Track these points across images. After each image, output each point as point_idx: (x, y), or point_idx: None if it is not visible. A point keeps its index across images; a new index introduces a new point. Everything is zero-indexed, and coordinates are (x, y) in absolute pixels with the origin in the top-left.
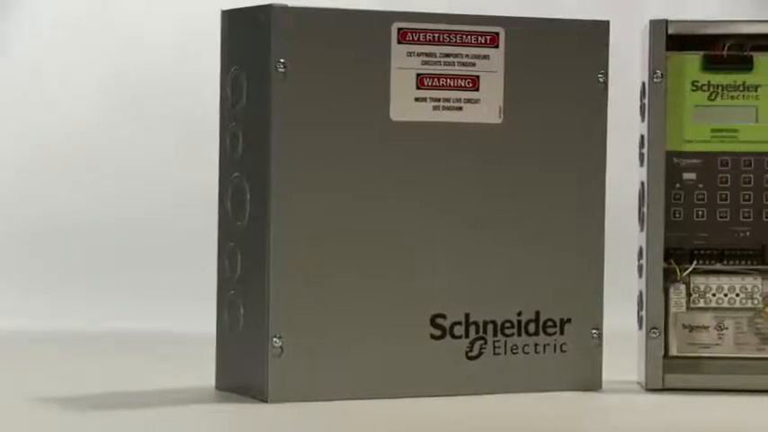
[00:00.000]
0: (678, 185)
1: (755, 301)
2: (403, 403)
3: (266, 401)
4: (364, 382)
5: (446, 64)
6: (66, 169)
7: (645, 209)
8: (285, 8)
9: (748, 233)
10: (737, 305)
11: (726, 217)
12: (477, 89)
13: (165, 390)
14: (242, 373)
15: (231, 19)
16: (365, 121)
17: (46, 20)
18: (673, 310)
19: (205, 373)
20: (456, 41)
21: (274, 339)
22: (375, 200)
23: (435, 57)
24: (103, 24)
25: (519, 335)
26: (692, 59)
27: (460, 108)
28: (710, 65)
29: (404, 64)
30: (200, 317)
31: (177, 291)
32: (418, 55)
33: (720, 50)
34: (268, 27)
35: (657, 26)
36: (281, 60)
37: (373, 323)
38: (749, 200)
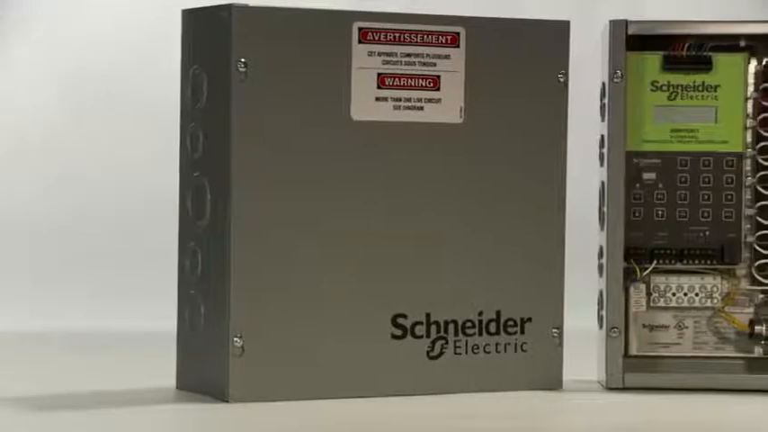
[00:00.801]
0: (638, 185)
1: (715, 301)
2: (364, 403)
3: (227, 401)
4: (325, 382)
5: (407, 64)
6: (27, 168)
7: (605, 208)
8: (246, 8)
9: (708, 233)
10: (697, 304)
11: (685, 217)
12: (438, 89)
13: (125, 390)
14: (203, 372)
15: (191, 18)
16: (326, 120)
17: (6, 18)
18: (633, 309)
19: (166, 373)
20: (417, 41)
21: (235, 339)
22: (336, 199)
23: (396, 56)
24: (64, 23)
25: (480, 334)
26: (652, 60)
27: (421, 108)
28: (670, 65)
29: (365, 63)
30: (161, 316)
31: (138, 290)
32: (379, 54)
33: (680, 51)
34: (228, 27)
35: (617, 26)
36: (242, 60)
37: (334, 323)
38: (708, 200)
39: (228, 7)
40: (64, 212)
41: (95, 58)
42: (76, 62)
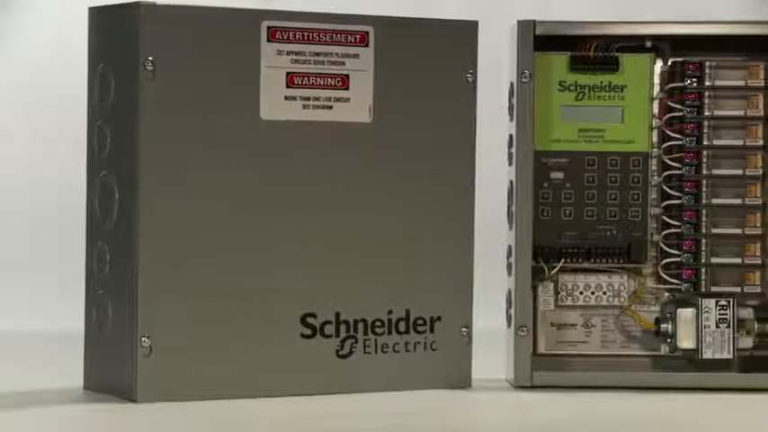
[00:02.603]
0: (546, 185)
1: (621, 299)
2: (273, 403)
3: (135, 401)
4: (234, 382)
5: (316, 63)
6: None
7: (513, 208)
8: (153, 6)
9: (615, 232)
10: (604, 303)
11: (593, 216)
12: (347, 88)
13: (31, 390)
14: (110, 372)
15: (98, 16)
16: (235, 119)
17: None
18: (541, 308)
19: (73, 374)
20: (326, 40)
21: (143, 339)
22: (245, 199)
23: (305, 55)
24: None
25: (389, 333)
26: (559, 60)
27: (330, 107)
28: (577, 65)
29: (273, 63)
30: (69, 315)
31: (46, 289)
32: (288, 54)
33: (587, 51)
34: (136, 25)
35: (525, 27)
36: (150, 59)
37: (243, 323)
38: (615, 199)
39: (136, 5)
40: None
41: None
42: None
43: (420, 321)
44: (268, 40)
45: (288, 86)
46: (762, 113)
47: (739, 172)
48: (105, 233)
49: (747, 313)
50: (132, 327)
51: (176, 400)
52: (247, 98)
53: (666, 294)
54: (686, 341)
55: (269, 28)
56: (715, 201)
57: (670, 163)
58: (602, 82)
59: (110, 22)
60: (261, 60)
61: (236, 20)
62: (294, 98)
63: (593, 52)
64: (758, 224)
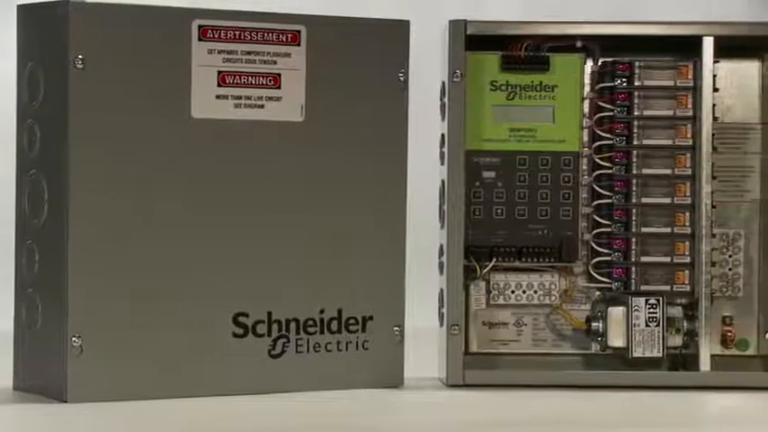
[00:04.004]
0: (478, 184)
1: (553, 298)
2: (205, 402)
3: (65, 401)
4: (166, 381)
5: (247, 62)
6: None
7: (445, 207)
8: (84, 4)
9: (546, 231)
10: (536, 302)
11: (524, 215)
12: (279, 87)
13: None
14: (40, 372)
15: (27, 14)
16: (166, 118)
17: None
18: (473, 307)
19: (2, 373)
20: (257, 39)
21: (73, 338)
22: (176, 198)
23: (236, 54)
24: None
25: (322, 333)
26: (491, 59)
27: (262, 106)
28: (508, 65)
29: (205, 61)
30: None
31: None
32: (219, 52)
33: (518, 51)
34: (66, 23)
35: (457, 26)
36: (80, 56)
37: (175, 322)
38: (546, 198)
39: (65, 3)
40: None
41: None
42: None
43: (352, 321)
44: (199, 39)
45: (219, 85)
46: (691, 113)
47: (669, 171)
48: (35, 232)
49: (677, 312)
50: (62, 326)
51: (108, 400)
52: (179, 97)
53: (597, 293)
54: (616, 340)
55: (200, 27)
56: (645, 200)
57: (600, 162)
58: (533, 82)
59: (39, 20)
60: (192, 59)
61: (166, 18)
62: (226, 97)
63: (524, 52)
64: (687, 223)
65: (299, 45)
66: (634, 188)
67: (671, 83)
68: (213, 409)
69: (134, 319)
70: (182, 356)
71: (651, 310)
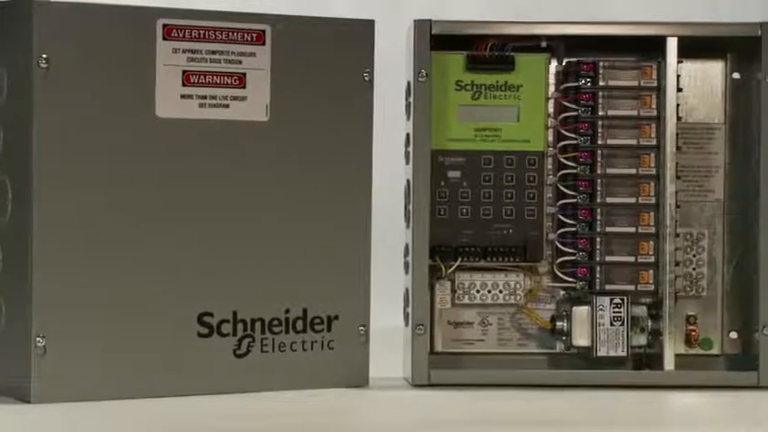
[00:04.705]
0: (443, 183)
1: (518, 298)
2: (170, 402)
3: (29, 402)
4: (130, 382)
5: (212, 61)
6: None
7: (411, 206)
8: (47, 3)
9: (511, 230)
10: (501, 301)
11: (489, 215)
12: (244, 86)
13: None
14: (4, 373)
15: None
16: (131, 117)
17: None
18: (438, 306)
19: None
20: (222, 38)
21: (37, 339)
22: (141, 198)
23: (201, 54)
24: None
25: (287, 332)
26: (456, 59)
27: (227, 105)
28: (473, 65)
29: (169, 61)
30: None
31: None
32: (184, 52)
33: (483, 51)
34: (30, 22)
35: (422, 26)
36: (44, 56)
37: (139, 322)
38: (512, 198)
39: (29, 2)
40: None
41: None
42: None
43: (317, 320)
44: (164, 38)
45: (184, 85)
46: (655, 113)
47: (633, 171)
48: None
49: (641, 311)
50: (26, 326)
51: (73, 401)
52: (143, 96)
53: (562, 292)
54: (581, 339)
55: (164, 26)
56: (609, 199)
57: (565, 162)
58: (497, 81)
59: (2, 20)
60: (156, 58)
61: (131, 17)
62: (190, 96)
63: (489, 52)
64: (651, 223)
65: (263, 45)
66: (599, 188)
67: (635, 83)
68: (178, 409)
69: (98, 319)
70: (146, 356)
71: (615, 310)
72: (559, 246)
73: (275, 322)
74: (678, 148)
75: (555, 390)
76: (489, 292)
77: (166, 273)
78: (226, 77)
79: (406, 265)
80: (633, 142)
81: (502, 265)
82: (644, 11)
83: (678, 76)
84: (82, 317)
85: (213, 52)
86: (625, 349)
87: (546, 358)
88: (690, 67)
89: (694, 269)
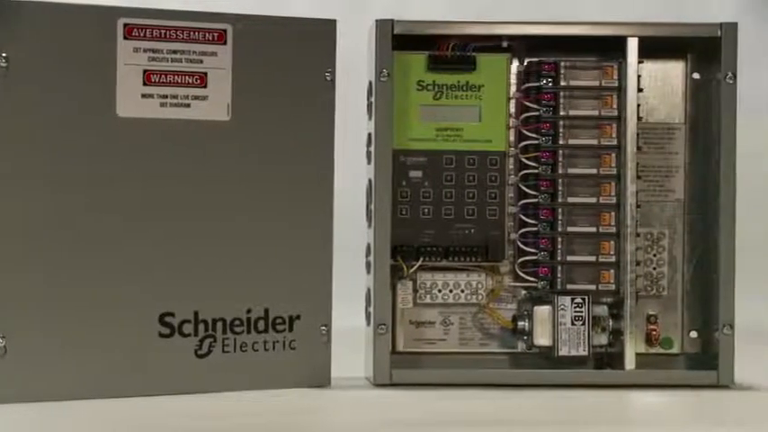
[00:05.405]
0: (405, 183)
1: (479, 297)
2: (131, 402)
3: None
4: (92, 382)
5: (173, 60)
6: None
7: (372, 206)
8: (6, 1)
9: (473, 230)
10: (462, 301)
11: (451, 215)
12: (205, 86)
13: None
14: None
15: None
16: (91, 116)
17: None
18: (400, 306)
19: None
20: (183, 38)
21: None
22: (101, 197)
23: (162, 53)
24: None
25: (248, 332)
26: (418, 59)
27: (188, 105)
28: (435, 65)
29: (130, 60)
30: None
31: None
32: (145, 51)
33: (444, 51)
34: None
35: (384, 26)
36: (3, 54)
37: (100, 322)
38: (473, 198)
39: None
40: None
41: None
42: None
43: (279, 320)
44: (124, 38)
45: (145, 84)
46: (616, 113)
47: (594, 171)
48: None
49: (602, 310)
50: None
51: (33, 401)
52: (104, 95)
53: (523, 292)
54: (543, 338)
55: (125, 25)
56: (570, 199)
57: (527, 162)
58: (459, 81)
59: None
60: (117, 58)
61: (91, 16)
62: (151, 96)
63: (451, 52)
64: (612, 223)
65: (225, 44)
66: (560, 188)
67: (596, 83)
68: (140, 409)
69: (59, 319)
70: (108, 357)
71: (577, 309)
72: (521, 245)
73: (237, 322)
74: (639, 148)
75: (516, 389)
76: (451, 291)
77: (127, 273)
78: (187, 77)
79: (368, 264)
80: (594, 142)
81: (464, 265)
82: (607, 11)
83: (639, 77)
84: (42, 317)
85: (174, 52)
86: (586, 349)
87: (507, 358)
88: (650, 67)
89: (655, 269)
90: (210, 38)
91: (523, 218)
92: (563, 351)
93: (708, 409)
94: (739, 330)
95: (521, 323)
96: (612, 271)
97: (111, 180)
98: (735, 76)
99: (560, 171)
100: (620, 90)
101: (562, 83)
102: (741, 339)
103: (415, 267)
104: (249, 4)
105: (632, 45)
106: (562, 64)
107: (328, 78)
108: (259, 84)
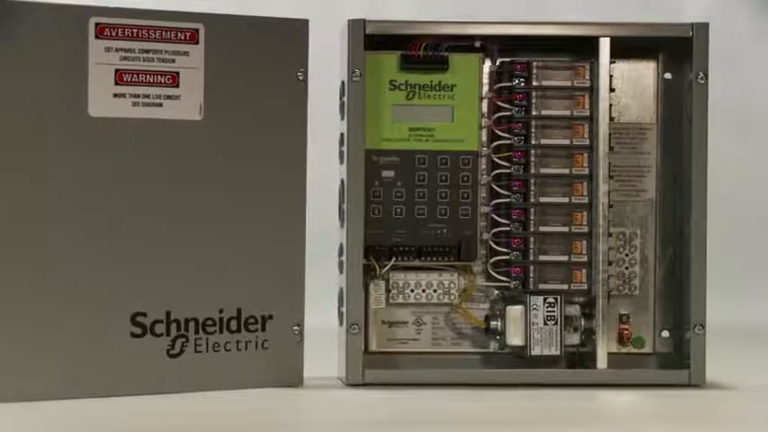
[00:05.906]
0: (377, 183)
1: (452, 297)
2: (103, 403)
3: None
4: (63, 382)
5: (145, 60)
6: None
7: (345, 206)
8: None
9: (445, 230)
10: (435, 301)
11: (423, 214)
12: (178, 85)
13: None
14: None
15: None
16: (62, 116)
17: None
18: (372, 306)
19: None
20: (155, 37)
21: None
22: (73, 197)
23: (134, 52)
24: None
25: (221, 332)
26: (390, 59)
27: (160, 104)
28: (407, 64)
29: (102, 59)
30: None
31: None
32: (117, 50)
33: (417, 50)
34: None
35: (356, 26)
36: None
37: (72, 322)
38: (446, 198)
39: None
40: None
41: None
42: None
43: (252, 320)
44: (96, 37)
45: (117, 83)
46: (588, 113)
47: (566, 171)
48: None
49: (574, 310)
50: None
51: (4, 402)
52: (75, 95)
53: (496, 292)
54: (515, 338)
55: (97, 24)
56: (543, 199)
57: (499, 162)
58: (431, 81)
59: None
60: (89, 57)
61: (63, 15)
62: (123, 95)
63: (423, 51)
64: (584, 222)
65: (197, 43)
66: (532, 188)
67: (568, 83)
68: (111, 409)
69: (29, 319)
70: (79, 357)
71: (549, 309)
72: (493, 245)
73: (209, 322)
74: (611, 148)
75: (489, 389)
76: (423, 291)
77: (99, 272)
78: (159, 76)
79: (341, 264)
80: (566, 142)
81: (436, 265)
82: (581, 10)
83: (611, 77)
84: (13, 317)
85: (146, 51)
86: (559, 348)
87: (480, 357)
88: (622, 67)
89: (627, 268)
90: (182, 37)
91: (496, 218)
92: (535, 351)
93: (679, 409)
94: (711, 330)
95: (493, 323)
96: (584, 270)
97: (83, 180)
98: (706, 75)
99: (532, 171)
100: (593, 90)
101: (534, 83)
102: (713, 339)
103: (388, 267)
104: (224, 3)
105: (604, 45)
106: (534, 64)
107: (300, 78)
108: (231, 83)
